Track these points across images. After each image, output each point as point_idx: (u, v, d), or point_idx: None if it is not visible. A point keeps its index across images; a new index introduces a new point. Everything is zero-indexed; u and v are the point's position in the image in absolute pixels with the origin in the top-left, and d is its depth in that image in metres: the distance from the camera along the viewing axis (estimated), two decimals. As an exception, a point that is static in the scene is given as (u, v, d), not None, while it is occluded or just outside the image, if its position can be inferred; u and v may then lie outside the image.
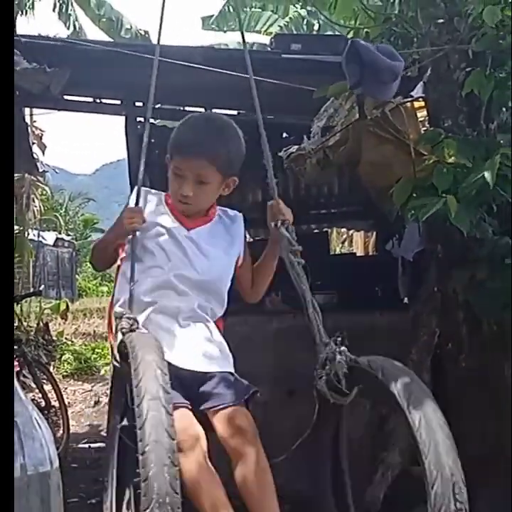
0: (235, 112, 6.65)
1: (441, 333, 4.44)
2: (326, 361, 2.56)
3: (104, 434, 7.75)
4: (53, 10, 15.08)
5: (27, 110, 8.79)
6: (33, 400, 5.35)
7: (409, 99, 3.97)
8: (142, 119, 6.62)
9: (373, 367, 2.30)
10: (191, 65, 4.40)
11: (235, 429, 2.61)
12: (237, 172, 2.93)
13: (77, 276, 34.37)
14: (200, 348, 2.78)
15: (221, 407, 2.66)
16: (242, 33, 3.41)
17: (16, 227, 15.61)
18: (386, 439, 4.77)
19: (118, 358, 2.50)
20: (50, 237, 28.10)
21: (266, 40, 12.38)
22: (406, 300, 6.30)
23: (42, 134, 15.01)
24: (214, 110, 6.13)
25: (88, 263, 40.98)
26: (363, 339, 5.54)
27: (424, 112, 3.97)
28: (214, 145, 2.82)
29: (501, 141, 3.65)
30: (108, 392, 10.41)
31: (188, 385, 2.66)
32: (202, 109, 6.27)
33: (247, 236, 10.53)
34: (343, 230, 15.29)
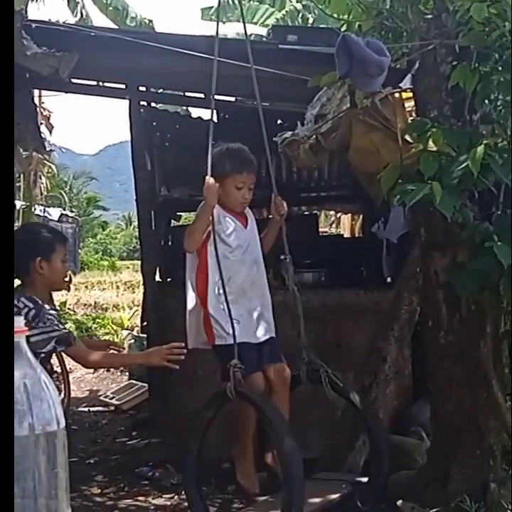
0: (232, 98, 6.61)
1: (422, 311, 4.45)
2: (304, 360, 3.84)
3: (102, 399, 7.78)
4: (62, -3, 14.96)
5: (36, 92, 8.72)
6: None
7: (398, 89, 3.94)
8: (145, 103, 6.58)
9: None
10: (195, 53, 4.34)
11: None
12: None
13: (79, 250, 34.36)
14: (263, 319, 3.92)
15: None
16: (244, 25, 3.37)
17: (23, 202, 15.56)
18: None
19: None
20: (55, 212, 28.05)
21: (263, 31, 12.30)
22: (389, 279, 6.31)
23: (50, 115, 14.96)
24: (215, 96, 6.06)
25: (90, 238, 41.11)
26: (348, 315, 5.59)
27: (412, 103, 3.95)
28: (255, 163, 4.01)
29: (484, 132, 3.65)
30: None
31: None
32: (201, 95, 6.22)
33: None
34: (332, 212, 15.28)
